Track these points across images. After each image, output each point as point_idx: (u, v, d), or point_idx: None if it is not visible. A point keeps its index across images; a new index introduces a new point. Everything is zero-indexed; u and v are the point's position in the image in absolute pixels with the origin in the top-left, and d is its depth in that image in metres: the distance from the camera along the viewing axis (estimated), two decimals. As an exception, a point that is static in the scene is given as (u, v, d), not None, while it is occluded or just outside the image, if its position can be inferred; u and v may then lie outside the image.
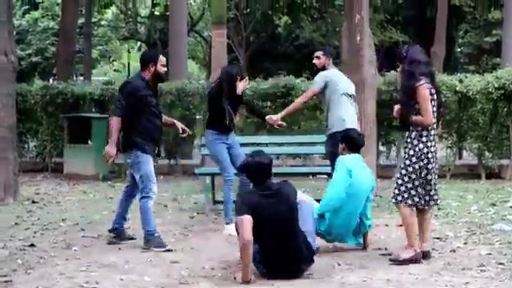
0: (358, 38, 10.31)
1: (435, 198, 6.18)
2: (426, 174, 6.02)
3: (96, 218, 8.80)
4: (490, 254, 6.34)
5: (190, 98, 13.67)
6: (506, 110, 12.28)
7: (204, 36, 31.77)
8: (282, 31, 27.84)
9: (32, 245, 7.00)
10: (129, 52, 38.51)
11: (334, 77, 7.97)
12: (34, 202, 10.24)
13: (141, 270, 5.95)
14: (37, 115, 14.42)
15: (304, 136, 12.10)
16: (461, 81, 12.51)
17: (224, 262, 6.23)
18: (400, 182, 6.08)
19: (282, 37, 29.40)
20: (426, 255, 6.12)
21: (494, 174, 12.46)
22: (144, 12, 33.12)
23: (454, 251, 6.52)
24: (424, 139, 6.05)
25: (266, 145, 10.28)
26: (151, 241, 6.82)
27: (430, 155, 6.04)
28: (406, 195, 6.05)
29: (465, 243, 6.89)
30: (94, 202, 10.20)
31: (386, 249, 6.68)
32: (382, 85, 12.31)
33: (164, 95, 13.42)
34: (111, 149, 6.78)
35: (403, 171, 6.08)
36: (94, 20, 29.49)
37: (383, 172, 12.12)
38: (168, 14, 19.70)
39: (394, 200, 6.18)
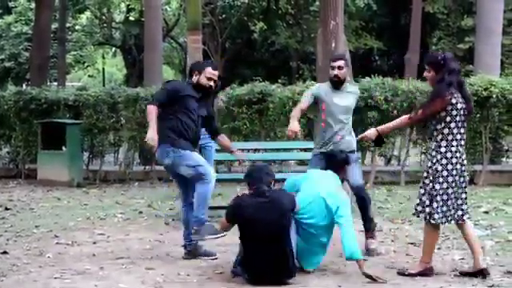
0: (333, 45, 10.35)
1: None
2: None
3: (70, 224, 8.74)
4: (463, 258, 6.40)
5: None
6: (478, 116, 12.40)
7: (179, 42, 31.71)
8: (257, 37, 27.88)
9: (5, 252, 6.93)
10: (103, 57, 38.33)
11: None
12: (7, 208, 10.14)
13: (115, 277, 5.93)
14: (10, 121, 14.29)
15: (280, 142, 12.16)
16: (434, 87, 12.60)
17: (199, 268, 6.23)
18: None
19: (257, 43, 29.47)
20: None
21: (467, 180, 12.55)
22: (119, 17, 33.01)
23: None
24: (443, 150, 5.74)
25: (242, 151, 10.26)
26: (203, 230, 6.24)
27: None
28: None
29: (439, 248, 6.93)
30: (67, 209, 10.13)
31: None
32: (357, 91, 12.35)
33: (139, 101, 13.41)
34: (154, 135, 6.15)
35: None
36: (68, 25, 29.32)
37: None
38: (143, 19, 19.64)
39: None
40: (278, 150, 10.64)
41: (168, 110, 6.38)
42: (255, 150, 11.04)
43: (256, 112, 13.12)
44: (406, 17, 26.12)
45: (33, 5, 25.01)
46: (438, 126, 5.69)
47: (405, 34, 23.53)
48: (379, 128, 6.11)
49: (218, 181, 8.69)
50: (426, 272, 5.80)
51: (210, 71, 6.54)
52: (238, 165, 7.14)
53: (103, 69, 39.80)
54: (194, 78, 6.55)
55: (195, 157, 6.38)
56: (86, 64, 35.44)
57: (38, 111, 14.10)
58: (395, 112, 12.32)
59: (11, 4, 31.35)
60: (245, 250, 5.67)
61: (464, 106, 5.69)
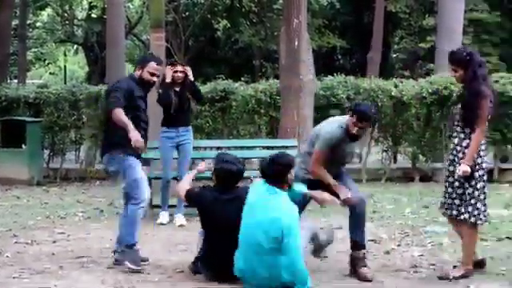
0: (296, 43, 10.40)
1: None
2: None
3: (30, 223, 8.64)
4: (422, 255, 6.49)
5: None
6: (439, 114, 12.56)
7: (142, 39, 31.50)
8: (220, 35, 27.80)
9: (-38, 251, 6.85)
10: (65, 55, 37.92)
11: None
12: (-35, 207, 10.01)
13: (75, 276, 5.88)
14: (-31, 119, 14.07)
15: (243, 140, 12.18)
16: (396, 86, 12.75)
17: (160, 266, 6.21)
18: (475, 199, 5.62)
19: (220, 41, 29.40)
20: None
21: (427, 177, 12.72)
22: (81, 15, 32.65)
23: (388, 253, 6.65)
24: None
25: (205, 149, 10.27)
26: (127, 253, 6.09)
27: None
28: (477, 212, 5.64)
29: (398, 245, 7.03)
30: (27, 208, 10.01)
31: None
32: (320, 89, 12.45)
33: (101, 99, 13.29)
34: (137, 135, 5.84)
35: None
36: (29, 22, 28.95)
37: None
38: (105, 17, 19.47)
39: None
40: (240, 147, 10.65)
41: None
42: (218, 148, 11.02)
43: (219, 110, 13.11)
44: (369, 16, 26.31)
45: (-8, 1, 24.62)
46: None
47: (367, 33, 23.67)
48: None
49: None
50: (468, 275, 5.67)
51: (152, 66, 6.27)
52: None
53: (65, 66, 39.34)
54: (137, 73, 6.30)
55: (137, 173, 6.12)
56: (47, 61, 35.02)
57: (-3, 109, 13.91)
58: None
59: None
60: (205, 246, 5.66)
61: (491, 104, 5.63)
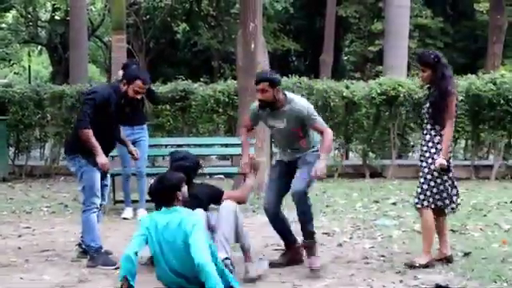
0: (253, 46, 10.38)
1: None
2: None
3: (-5, 218, 8.48)
4: (372, 247, 6.54)
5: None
6: (387, 114, 12.70)
7: (104, 41, 31.15)
8: (180, 38, 27.66)
9: None
10: (29, 55, 37.31)
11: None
12: None
13: (41, 269, 5.78)
14: None
15: (202, 138, 12.14)
16: (347, 87, 12.83)
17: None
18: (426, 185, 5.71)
19: (180, 43, 29.25)
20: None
21: (377, 174, 12.84)
22: (45, 16, 32.13)
23: (340, 245, 6.69)
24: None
25: (165, 146, 10.21)
26: (97, 258, 5.96)
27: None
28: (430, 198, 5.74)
29: (350, 238, 7.07)
30: (-7, 203, 9.83)
31: (278, 245, 6.70)
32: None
33: (65, 98, 13.15)
34: (104, 159, 5.89)
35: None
36: (-7, 23, 28.39)
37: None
38: (68, 19, 19.20)
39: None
40: (200, 145, 10.62)
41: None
42: (178, 146, 10.96)
43: (179, 109, 13.05)
44: (321, 20, 26.41)
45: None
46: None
47: (320, 37, 23.79)
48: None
49: (149, 175, 8.73)
50: (431, 262, 5.72)
51: (138, 84, 6.06)
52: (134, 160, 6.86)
53: (29, 66, 38.68)
54: (122, 87, 6.08)
55: (91, 179, 5.98)
56: (11, 62, 34.38)
57: (-37, 107, 13.60)
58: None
59: None
60: None
61: (457, 101, 5.82)
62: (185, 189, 5.12)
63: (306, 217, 5.66)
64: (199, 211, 5.21)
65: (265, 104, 5.71)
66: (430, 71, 5.74)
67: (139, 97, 6.21)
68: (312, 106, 5.78)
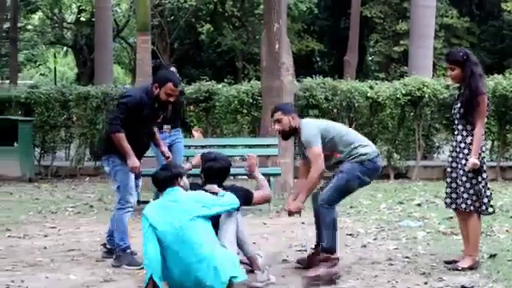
0: (277, 46, 10.40)
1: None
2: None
3: (22, 218, 8.57)
4: (397, 248, 6.50)
5: (116, 101, 13.53)
6: (412, 114, 12.64)
7: (129, 42, 31.37)
8: (204, 38, 27.78)
9: (-43, 245, 6.77)
10: (55, 57, 37.70)
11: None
12: (-41, 203, 9.91)
13: (66, 269, 5.84)
14: (-38, 118, 13.94)
15: (226, 139, 12.18)
16: (371, 87, 12.79)
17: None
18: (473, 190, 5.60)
19: (204, 44, 29.36)
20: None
21: (401, 175, 12.78)
22: (70, 18, 32.46)
23: (364, 246, 6.66)
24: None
25: (189, 147, 10.25)
26: (122, 258, 5.98)
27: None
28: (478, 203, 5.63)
29: (374, 239, 7.04)
30: (19, 203, 9.93)
31: (302, 246, 6.73)
32: (299, 90, 12.47)
33: (90, 99, 13.28)
34: (135, 162, 5.89)
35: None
36: (20, 25, 28.70)
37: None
38: (94, 20, 19.37)
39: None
40: (223, 146, 10.64)
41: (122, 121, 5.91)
42: (202, 147, 11.00)
43: (203, 110, 13.10)
44: (345, 20, 26.38)
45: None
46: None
47: (344, 37, 23.72)
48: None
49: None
50: (476, 266, 5.63)
51: (170, 87, 5.91)
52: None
53: (55, 68, 39.08)
54: (155, 91, 5.94)
55: (127, 179, 6.00)
56: (37, 63, 34.78)
57: (-10, 108, 13.80)
58: (335, 110, 12.50)
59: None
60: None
61: (488, 101, 5.67)
62: (185, 178, 5.25)
63: (323, 227, 5.54)
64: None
65: (283, 135, 5.81)
66: (459, 69, 5.61)
67: (172, 99, 6.05)
68: (313, 133, 5.55)
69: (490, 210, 5.70)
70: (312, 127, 5.62)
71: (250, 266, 5.36)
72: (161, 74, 6.32)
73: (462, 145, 5.62)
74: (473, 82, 5.54)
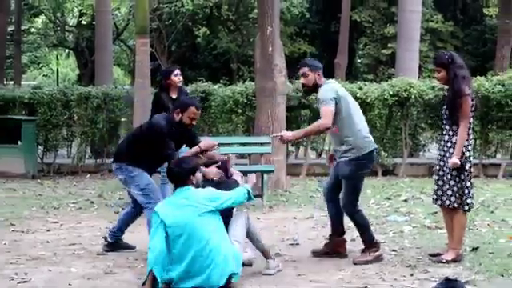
0: (270, 49, 10.40)
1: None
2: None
3: (25, 213, 8.56)
4: (384, 242, 6.52)
5: (115, 102, 13.55)
6: (399, 114, 12.66)
7: (129, 45, 31.31)
8: (201, 41, 27.76)
9: (-37, 240, 6.76)
10: (57, 58, 37.61)
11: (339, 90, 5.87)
12: (-35, 199, 9.89)
13: (68, 262, 5.85)
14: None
15: (221, 137, 12.16)
16: (360, 88, 12.80)
17: (146, 253, 6.16)
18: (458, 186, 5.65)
19: (201, 46, 29.32)
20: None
21: (389, 172, 12.80)
22: (72, 21, 32.38)
23: (353, 240, 6.66)
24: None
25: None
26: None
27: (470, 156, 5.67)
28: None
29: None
30: (23, 199, 9.91)
31: (294, 239, 6.75)
32: (292, 91, 12.48)
33: (91, 99, 13.28)
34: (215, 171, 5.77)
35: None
36: (24, 28, 28.62)
37: (292, 170, 12.25)
38: (94, 23, 19.33)
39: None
40: (219, 144, 10.61)
41: (146, 144, 5.89)
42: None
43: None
44: (336, 24, 26.34)
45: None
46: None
47: (334, 40, 23.71)
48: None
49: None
50: (459, 258, 5.66)
51: (193, 111, 5.84)
52: None
53: (57, 69, 39.01)
54: (177, 117, 5.82)
55: (146, 179, 5.99)
56: (40, 64, 34.72)
57: (-6, 108, 13.76)
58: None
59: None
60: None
61: (473, 102, 5.66)
62: (199, 175, 5.27)
63: (358, 229, 5.91)
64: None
65: (306, 89, 5.92)
66: (445, 71, 5.63)
67: (194, 123, 5.99)
68: (330, 96, 5.62)
69: (472, 206, 5.74)
70: (330, 91, 5.71)
71: (250, 265, 5.44)
72: (182, 100, 6.42)
73: (449, 144, 5.66)
74: (456, 84, 5.56)
